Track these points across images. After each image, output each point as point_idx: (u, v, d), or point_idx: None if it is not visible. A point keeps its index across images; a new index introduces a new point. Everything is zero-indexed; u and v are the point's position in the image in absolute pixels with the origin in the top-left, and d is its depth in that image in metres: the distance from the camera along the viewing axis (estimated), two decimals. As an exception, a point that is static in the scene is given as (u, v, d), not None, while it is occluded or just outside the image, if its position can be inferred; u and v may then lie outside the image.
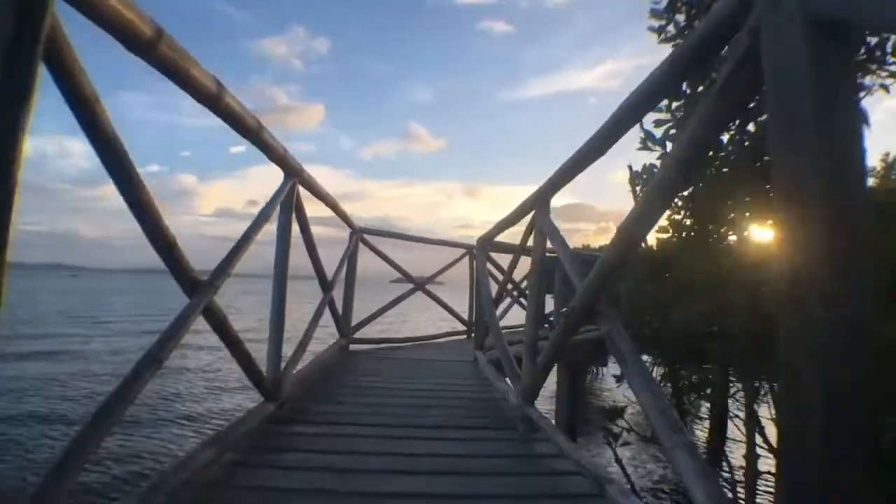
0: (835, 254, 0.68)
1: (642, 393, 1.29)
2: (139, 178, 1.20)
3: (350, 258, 4.70)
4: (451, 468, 1.93)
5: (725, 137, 2.66)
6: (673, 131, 2.93)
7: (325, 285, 3.68)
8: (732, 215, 2.81)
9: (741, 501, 3.33)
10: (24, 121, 0.80)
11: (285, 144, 2.18)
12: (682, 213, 3.10)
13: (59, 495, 1.02)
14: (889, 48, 2.16)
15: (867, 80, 2.26)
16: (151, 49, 1.15)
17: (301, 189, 2.68)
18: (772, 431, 2.78)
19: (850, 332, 0.68)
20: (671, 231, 3.17)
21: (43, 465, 5.24)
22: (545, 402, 5.98)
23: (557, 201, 2.62)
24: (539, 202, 2.46)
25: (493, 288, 4.32)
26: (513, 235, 3.79)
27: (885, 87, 2.26)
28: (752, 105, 2.45)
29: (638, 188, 3.44)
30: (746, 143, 2.60)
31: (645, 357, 3.94)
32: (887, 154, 3.79)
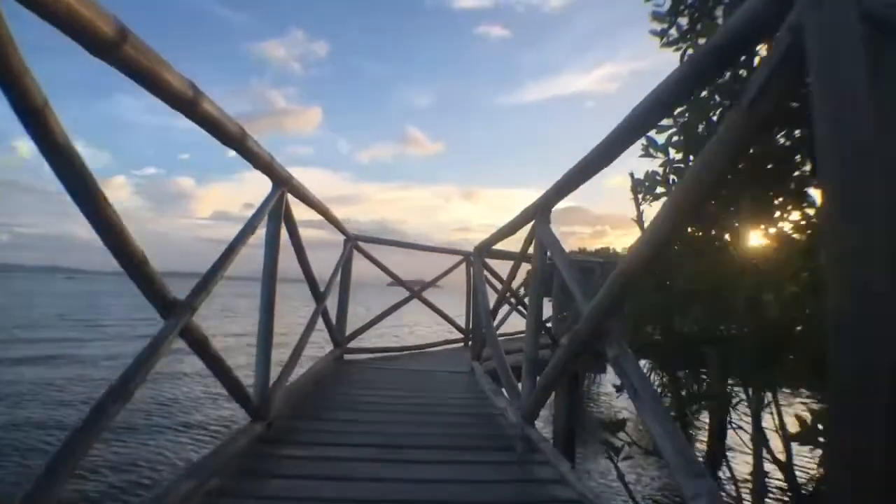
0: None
1: (656, 427, 1.18)
2: (99, 191, 1.08)
3: (344, 266, 4.60)
4: (445, 496, 1.81)
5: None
6: (675, 138, 2.85)
7: (318, 295, 3.56)
8: (736, 223, 2.73)
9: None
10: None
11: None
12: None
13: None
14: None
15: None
16: (114, 50, 1.04)
17: (291, 197, 2.57)
18: (776, 444, 2.68)
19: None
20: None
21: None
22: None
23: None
24: (540, 212, 2.35)
25: (491, 297, 4.21)
26: (510, 241, 3.69)
27: None
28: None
29: (640, 196, 3.36)
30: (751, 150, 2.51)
31: (642, 362, 3.87)
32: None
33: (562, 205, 2.40)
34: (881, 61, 0.63)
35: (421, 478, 1.97)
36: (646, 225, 3.57)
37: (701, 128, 2.70)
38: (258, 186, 2.30)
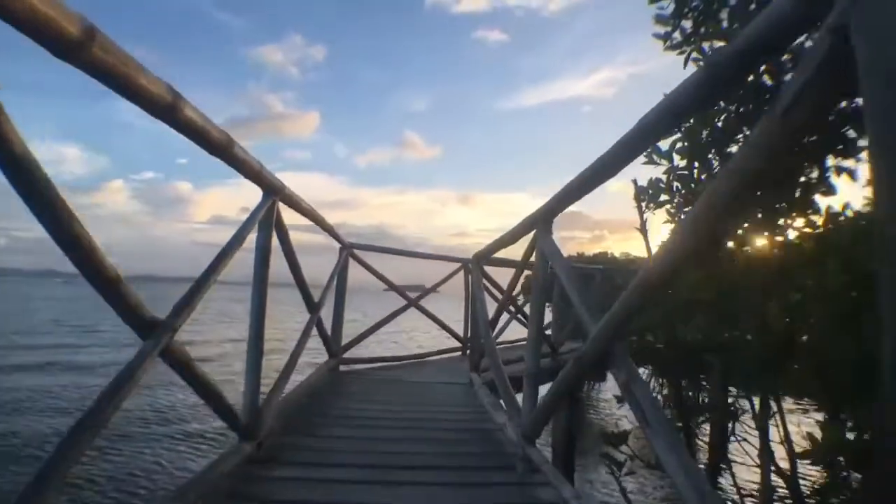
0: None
1: (669, 457, 1.09)
2: (64, 205, 0.99)
3: (340, 274, 4.50)
4: None
5: (734, 148, 2.51)
6: (680, 144, 2.76)
7: (312, 305, 3.46)
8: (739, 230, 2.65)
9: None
10: None
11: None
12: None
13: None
14: None
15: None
16: (81, 52, 0.95)
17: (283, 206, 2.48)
18: (779, 452, 2.61)
19: None
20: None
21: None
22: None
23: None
24: (542, 221, 2.26)
25: (489, 305, 4.12)
26: (508, 248, 3.60)
27: None
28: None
29: (643, 204, 3.27)
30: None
31: (642, 370, 3.79)
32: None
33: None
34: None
35: (418, 502, 1.88)
36: (649, 232, 3.50)
37: (705, 134, 2.63)
38: (256, 191, 2.22)
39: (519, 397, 2.75)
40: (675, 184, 2.92)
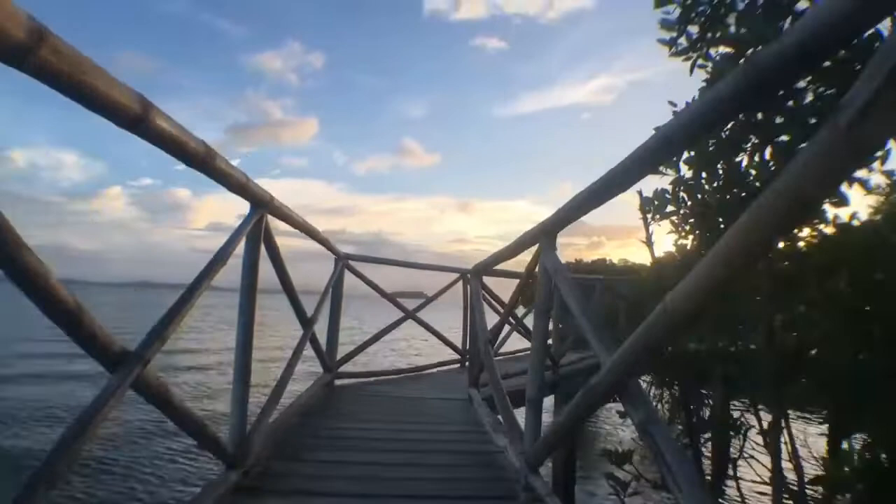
0: None
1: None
2: (11, 232, 0.87)
3: (335, 286, 4.37)
4: None
5: (744, 161, 2.41)
6: (686, 154, 2.66)
7: (305, 321, 3.33)
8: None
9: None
10: None
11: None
12: (690, 237, 2.86)
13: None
14: None
15: None
16: (28, 55, 0.83)
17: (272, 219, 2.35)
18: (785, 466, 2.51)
19: None
20: (677, 255, 2.95)
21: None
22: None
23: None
24: (545, 236, 2.14)
25: (488, 316, 3.99)
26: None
27: None
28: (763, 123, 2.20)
29: (649, 216, 3.16)
30: (773, 167, 2.32)
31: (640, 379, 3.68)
32: None
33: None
34: None
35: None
36: (652, 242, 3.39)
37: (711, 144, 2.52)
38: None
39: (519, 415, 2.62)
40: (682, 195, 2.81)
